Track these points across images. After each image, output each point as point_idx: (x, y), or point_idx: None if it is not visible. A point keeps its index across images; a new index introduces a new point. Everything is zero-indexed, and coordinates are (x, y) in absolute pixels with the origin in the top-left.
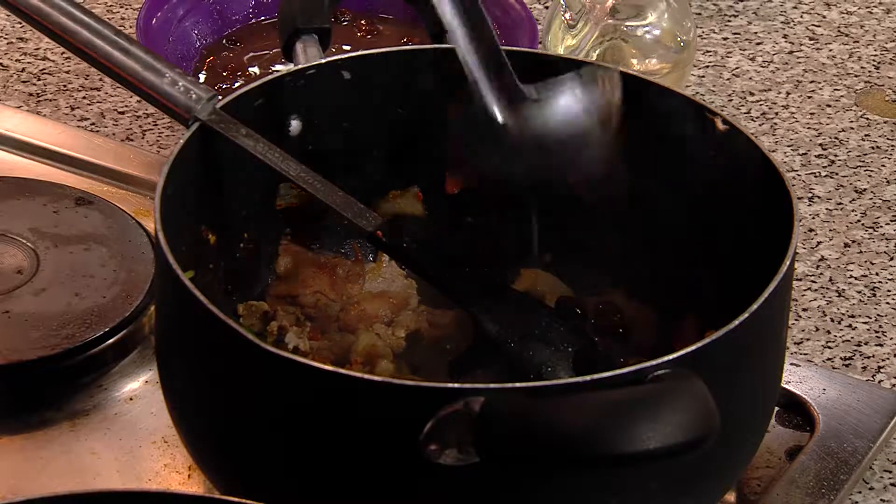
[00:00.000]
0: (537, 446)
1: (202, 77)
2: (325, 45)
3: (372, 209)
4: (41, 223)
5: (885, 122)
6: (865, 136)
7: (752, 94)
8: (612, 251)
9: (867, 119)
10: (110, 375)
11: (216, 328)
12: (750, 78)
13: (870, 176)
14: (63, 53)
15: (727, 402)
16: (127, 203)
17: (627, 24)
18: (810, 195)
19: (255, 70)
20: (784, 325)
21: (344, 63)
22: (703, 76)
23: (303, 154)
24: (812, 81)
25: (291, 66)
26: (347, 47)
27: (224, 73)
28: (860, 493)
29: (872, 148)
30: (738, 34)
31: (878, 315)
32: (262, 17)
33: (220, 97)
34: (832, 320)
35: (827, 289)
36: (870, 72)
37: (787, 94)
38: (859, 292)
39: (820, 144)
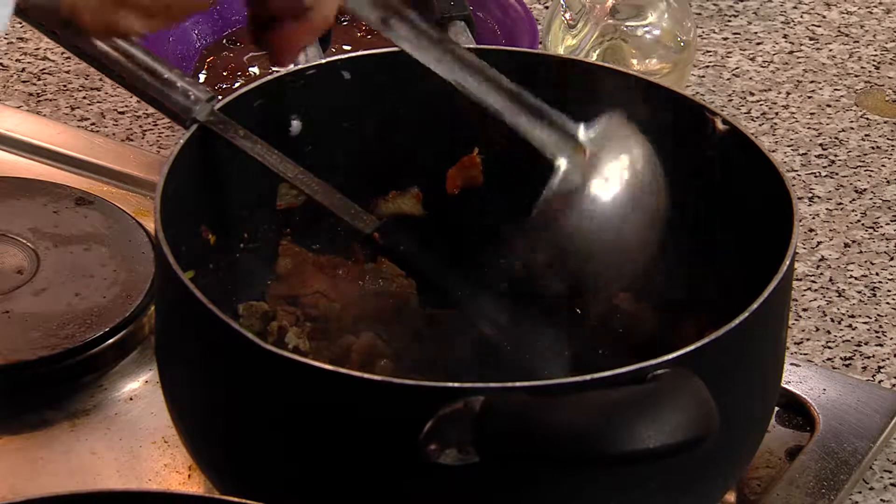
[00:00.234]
0: (537, 446)
1: (202, 77)
2: (325, 45)
3: (372, 209)
4: (41, 223)
5: (885, 122)
6: (865, 136)
7: (752, 94)
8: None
9: (867, 119)
10: (110, 375)
11: (216, 328)
12: (750, 78)
13: (870, 176)
14: (63, 53)
15: (727, 401)
16: (127, 203)
17: (627, 24)
18: (810, 195)
19: (255, 70)
20: (784, 325)
21: (344, 63)
22: (703, 76)
23: (303, 154)
24: (812, 81)
25: (291, 66)
26: (347, 47)
27: (224, 73)
28: (860, 493)
29: (872, 148)
30: (738, 34)
31: (878, 315)
32: None
33: (219, 98)
34: (832, 320)
35: (827, 289)
36: (870, 72)
37: (787, 94)
38: (859, 292)
39: (820, 144)
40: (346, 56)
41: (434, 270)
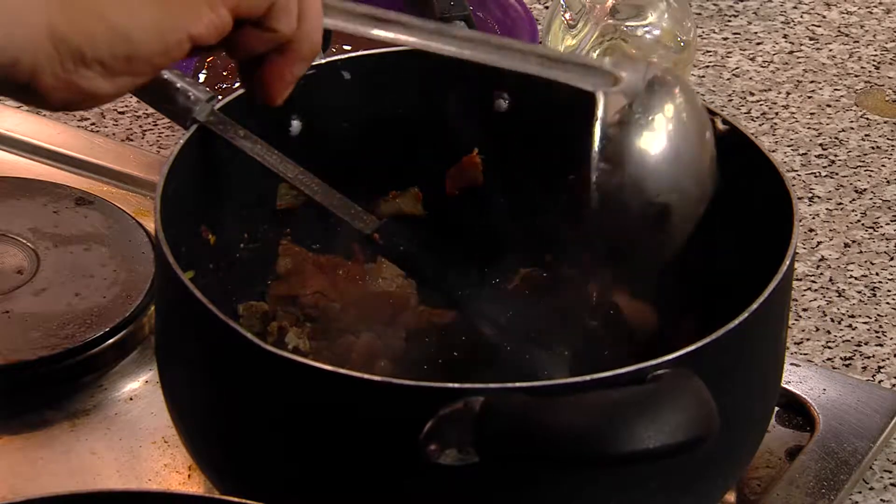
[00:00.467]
0: (537, 446)
1: (202, 77)
2: (325, 45)
3: (372, 209)
4: (41, 223)
5: (885, 122)
6: (865, 136)
7: (752, 94)
8: (612, 251)
9: (867, 119)
10: (110, 375)
11: (216, 328)
12: (750, 78)
13: (870, 176)
14: None
15: (727, 401)
16: (127, 203)
17: (627, 24)
18: (810, 195)
19: None
20: (784, 325)
21: (344, 63)
22: (703, 76)
23: (303, 154)
24: (812, 81)
25: None
26: (347, 47)
27: (224, 73)
28: (860, 493)
29: (872, 148)
30: (738, 34)
31: (878, 315)
32: None
33: (219, 98)
34: (832, 320)
35: (827, 289)
36: (870, 72)
37: (787, 94)
38: (859, 292)
39: (820, 144)
40: (346, 56)
41: (434, 270)
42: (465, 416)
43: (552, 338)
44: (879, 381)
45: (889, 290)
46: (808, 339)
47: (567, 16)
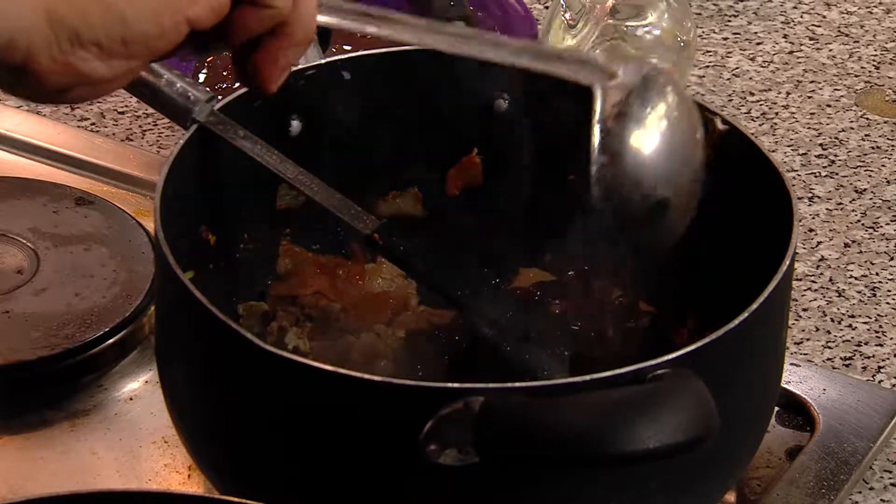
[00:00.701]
0: (537, 446)
1: (202, 77)
2: (325, 45)
3: (372, 209)
4: (41, 223)
5: (885, 122)
6: (865, 136)
7: (752, 94)
8: (612, 251)
9: (867, 119)
10: (110, 375)
11: (216, 328)
12: (750, 78)
13: (870, 176)
14: None
15: (727, 401)
16: (127, 203)
17: (627, 24)
18: (810, 195)
19: None
20: (784, 325)
21: (344, 63)
22: (703, 76)
23: (302, 154)
24: (812, 81)
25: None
26: (348, 47)
27: (224, 73)
28: (860, 493)
29: (872, 148)
30: (738, 34)
31: (878, 315)
32: None
33: (218, 98)
34: (832, 320)
35: (827, 289)
36: (870, 72)
37: (787, 94)
38: (859, 292)
39: (820, 144)
40: (346, 56)
41: (434, 271)
42: (465, 416)
43: (552, 338)
44: (879, 381)
45: (889, 290)
46: (808, 339)
47: (567, 16)
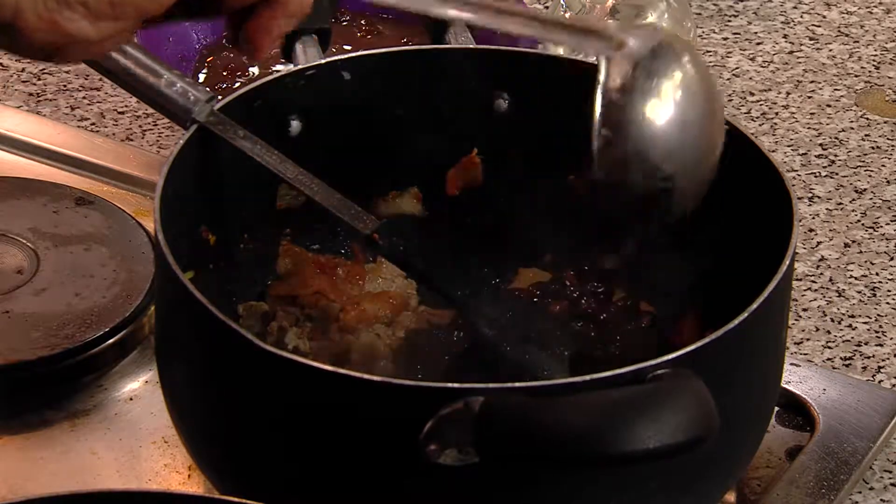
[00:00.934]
0: (537, 446)
1: (202, 77)
2: (324, 45)
3: (372, 209)
4: (41, 223)
5: (885, 122)
6: (865, 136)
7: (752, 94)
8: (612, 251)
9: (867, 119)
10: (110, 375)
11: (216, 328)
12: (750, 78)
13: (870, 176)
14: None
15: (727, 401)
16: (127, 203)
17: None
18: (810, 195)
19: (255, 70)
20: (784, 325)
21: (344, 63)
22: None
23: (302, 154)
24: (812, 81)
25: (291, 67)
26: (348, 47)
27: (224, 73)
28: (860, 493)
29: (872, 148)
30: (738, 34)
31: (878, 315)
32: None
33: (218, 98)
34: (832, 320)
35: (827, 289)
36: (870, 72)
37: (787, 94)
38: (859, 292)
39: (820, 144)
40: (346, 56)
41: (434, 270)
42: (465, 416)
43: (552, 338)
44: (879, 381)
45: (889, 290)
46: (808, 339)
47: (567, 16)
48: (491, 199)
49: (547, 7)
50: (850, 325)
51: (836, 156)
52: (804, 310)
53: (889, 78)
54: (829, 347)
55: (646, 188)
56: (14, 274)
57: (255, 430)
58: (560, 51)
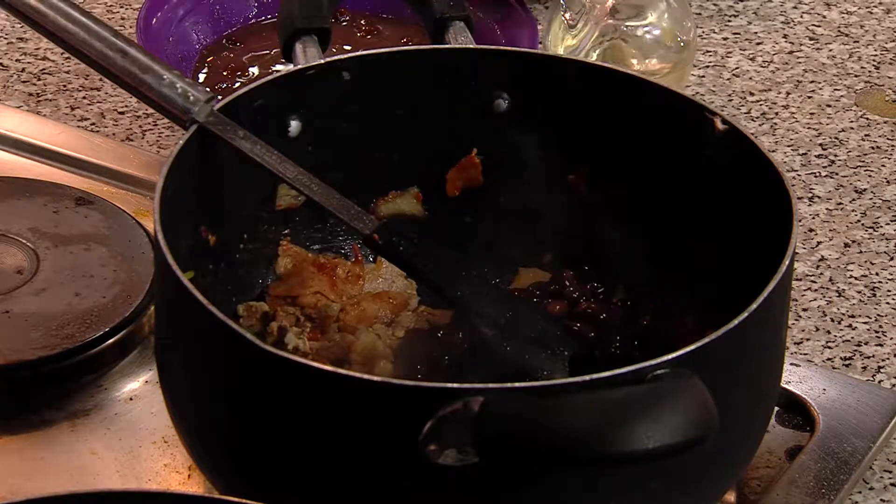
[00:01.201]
0: (536, 446)
1: (202, 77)
2: (324, 45)
3: (372, 210)
4: (41, 223)
5: (885, 122)
6: (865, 136)
7: (752, 94)
8: (612, 251)
9: (867, 119)
10: (110, 375)
11: (216, 329)
12: (750, 78)
13: (870, 176)
14: (63, 53)
15: (727, 401)
16: (127, 203)
17: (627, 24)
18: (810, 195)
19: (255, 70)
20: (784, 325)
21: (344, 63)
22: (703, 76)
23: (302, 154)
24: (812, 81)
25: (291, 67)
26: (348, 47)
27: (224, 73)
28: (860, 493)
29: (872, 148)
30: (738, 34)
31: (878, 315)
32: (263, 17)
33: (218, 98)
34: (832, 320)
35: (827, 289)
36: (870, 72)
37: (787, 94)
38: (859, 292)
39: (820, 144)
40: (346, 56)
41: (434, 270)
42: (465, 416)
43: (552, 338)
44: (879, 381)
45: (889, 290)
46: (808, 339)
47: (567, 16)
48: (491, 199)
49: (547, 7)
50: (850, 325)
51: (836, 156)
52: (804, 310)
53: (889, 78)
54: (829, 347)
55: None
56: (14, 274)
57: (255, 430)
58: (560, 51)
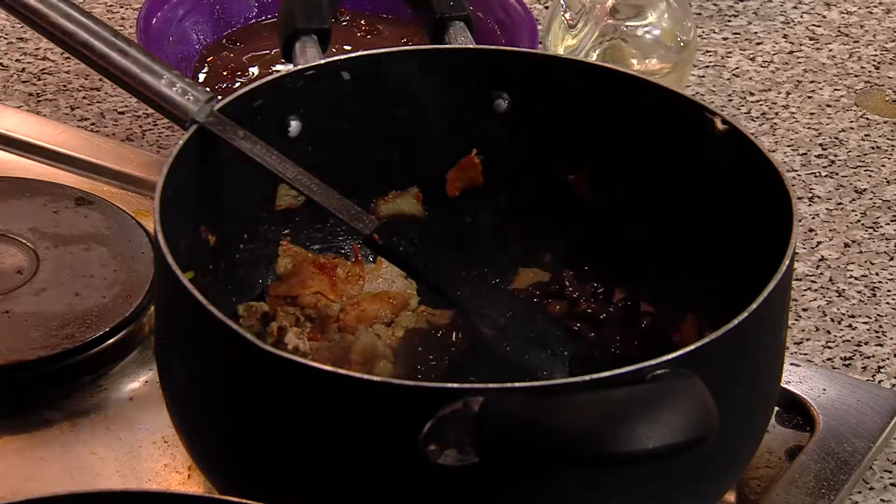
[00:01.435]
0: (536, 446)
1: (202, 77)
2: (324, 45)
3: (372, 210)
4: (41, 223)
5: (885, 122)
6: (865, 136)
7: (752, 94)
8: (612, 251)
9: (867, 119)
10: (110, 375)
11: (216, 329)
12: (750, 78)
13: (870, 176)
14: (63, 53)
15: (727, 401)
16: (127, 203)
17: (627, 24)
18: (810, 195)
19: (255, 70)
20: (784, 325)
21: (344, 63)
22: (703, 76)
23: (302, 155)
24: (812, 81)
25: (291, 67)
26: (348, 47)
27: (224, 73)
28: (860, 493)
29: (872, 148)
30: (738, 34)
31: (878, 315)
32: (263, 17)
33: (218, 98)
34: (832, 320)
35: (827, 289)
36: (870, 72)
37: (787, 94)
38: (859, 292)
39: (820, 144)
40: (346, 56)
41: (434, 270)
42: (465, 416)
43: (552, 338)
44: (879, 381)
45: (889, 290)
46: (808, 339)
47: (567, 16)
48: (491, 199)
49: (547, 7)
50: (850, 325)
51: (836, 156)
52: (804, 310)
53: (889, 78)
54: (829, 347)
55: None
56: (14, 274)
57: (255, 430)
58: (560, 51)
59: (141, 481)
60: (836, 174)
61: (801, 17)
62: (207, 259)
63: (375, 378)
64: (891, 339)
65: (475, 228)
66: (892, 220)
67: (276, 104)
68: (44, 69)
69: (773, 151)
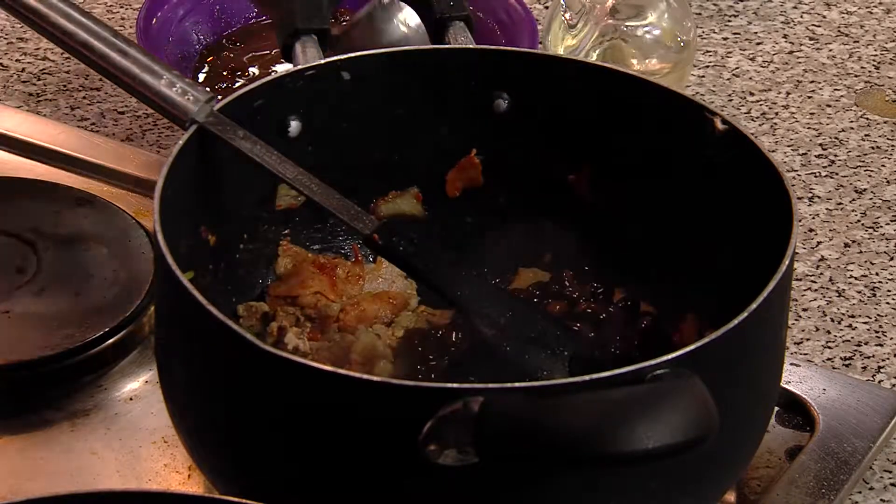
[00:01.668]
0: (536, 446)
1: (202, 77)
2: (324, 45)
3: (372, 210)
4: (41, 223)
5: (885, 122)
6: (865, 136)
7: (752, 94)
8: (611, 251)
9: (867, 119)
10: (110, 375)
11: (216, 329)
12: (750, 78)
13: (870, 176)
14: (63, 53)
15: (727, 401)
16: (127, 203)
17: (627, 24)
18: (810, 195)
19: (255, 70)
20: (784, 325)
21: (344, 63)
22: (703, 76)
23: (302, 155)
24: (812, 81)
25: (291, 67)
26: None
27: (224, 73)
28: (860, 493)
29: (872, 148)
30: (738, 34)
31: (878, 315)
32: (263, 18)
33: (218, 98)
34: (832, 320)
35: (827, 289)
36: (870, 72)
37: (787, 94)
38: (859, 292)
39: (820, 144)
40: (346, 56)
41: (434, 270)
42: (465, 416)
43: (552, 338)
44: (879, 381)
45: (889, 290)
46: (808, 339)
47: (567, 16)
48: (491, 199)
49: (547, 7)
50: (850, 325)
51: (836, 156)
52: (804, 310)
53: (889, 78)
54: (829, 347)
55: None
56: (14, 274)
57: (255, 430)
58: (560, 51)
59: (141, 481)
60: (836, 174)
61: (801, 17)
62: (207, 259)
63: (375, 378)
64: (891, 339)
65: (475, 228)
66: (892, 220)
67: (276, 104)
68: (44, 69)
69: (773, 151)
